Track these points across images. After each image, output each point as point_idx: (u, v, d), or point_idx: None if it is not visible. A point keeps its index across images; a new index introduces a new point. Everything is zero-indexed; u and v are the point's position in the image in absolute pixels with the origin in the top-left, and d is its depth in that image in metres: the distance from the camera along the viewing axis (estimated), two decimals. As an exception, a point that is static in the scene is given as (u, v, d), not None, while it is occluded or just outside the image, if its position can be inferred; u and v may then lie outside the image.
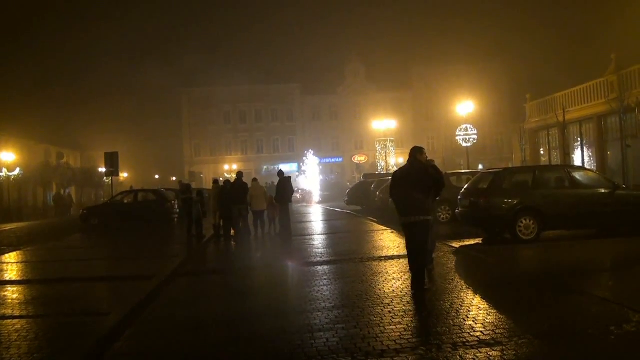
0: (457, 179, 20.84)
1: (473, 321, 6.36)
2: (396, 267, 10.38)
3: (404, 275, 9.55)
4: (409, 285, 8.57)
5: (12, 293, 9.69)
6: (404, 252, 10.54)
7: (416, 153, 8.45)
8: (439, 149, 70.05)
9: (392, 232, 16.50)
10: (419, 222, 8.06)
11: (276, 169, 20.93)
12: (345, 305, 7.56)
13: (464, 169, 32.10)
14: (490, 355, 5.25)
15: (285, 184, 17.38)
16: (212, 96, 73.18)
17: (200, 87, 73.99)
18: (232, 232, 17.75)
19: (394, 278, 9.45)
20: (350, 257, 12.14)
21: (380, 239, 15.35)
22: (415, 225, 8.09)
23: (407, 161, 8.48)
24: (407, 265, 8.82)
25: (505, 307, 7.14)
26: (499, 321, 6.37)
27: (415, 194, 8.07)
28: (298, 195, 45.72)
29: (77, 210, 41.98)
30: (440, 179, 8.42)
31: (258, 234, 17.79)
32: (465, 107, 35.28)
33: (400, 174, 8.54)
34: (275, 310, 7.69)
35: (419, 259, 8.21)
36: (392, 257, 11.47)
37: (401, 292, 8.31)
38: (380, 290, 8.39)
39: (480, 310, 6.92)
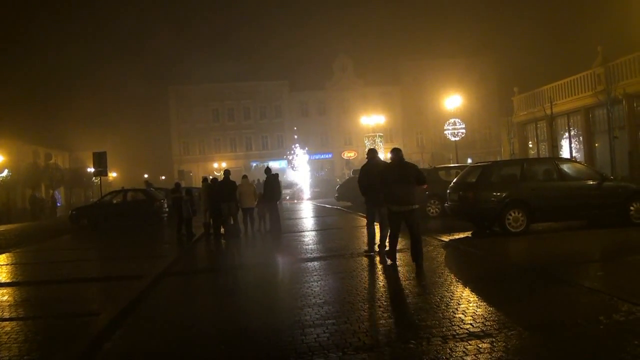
0: (446, 173, 20.93)
1: (463, 314, 6.39)
2: (386, 263, 10.39)
3: (394, 269, 9.59)
4: (400, 279, 8.69)
5: (2, 295, 9.61)
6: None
7: (401, 153, 9.85)
8: (428, 143, 70.24)
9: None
10: (415, 209, 9.55)
11: (265, 166, 20.91)
12: (335, 301, 7.58)
13: (452, 163, 32.15)
14: (480, 348, 5.27)
15: (273, 181, 17.36)
16: (200, 94, 72.99)
17: (187, 85, 73.77)
18: (222, 230, 17.72)
19: (384, 273, 9.48)
20: (341, 252, 12.15)
21: (371, 234, 15.35)
22: (413, 212, 9.52)
23: (395, 159, 9.78)
24: (398, 259, 10.07)
25: (495, 299, 7.17)
26: (489, 313, 6.40)
27: (411, 187, 9.51)
28: (288, 191, 45.67)
29: (64, 211, 41.70)
30: (424, 176, 9.88)
31: (248, 231, 17.78)
32: (453, 101, 35.36)
33: (393, 170, 9.71)
34: (265, 307, 7.69)
35: (419, 240, 9.59)
36: (383, 254, 11.46)
37: (391, 286, 8.34)
38: (370, 285, 8.41)
39: (470, 303, 6.95)
